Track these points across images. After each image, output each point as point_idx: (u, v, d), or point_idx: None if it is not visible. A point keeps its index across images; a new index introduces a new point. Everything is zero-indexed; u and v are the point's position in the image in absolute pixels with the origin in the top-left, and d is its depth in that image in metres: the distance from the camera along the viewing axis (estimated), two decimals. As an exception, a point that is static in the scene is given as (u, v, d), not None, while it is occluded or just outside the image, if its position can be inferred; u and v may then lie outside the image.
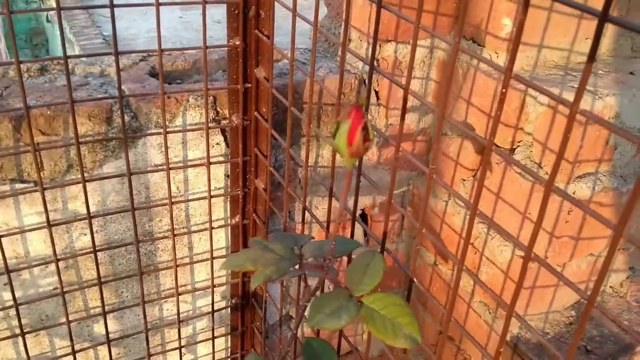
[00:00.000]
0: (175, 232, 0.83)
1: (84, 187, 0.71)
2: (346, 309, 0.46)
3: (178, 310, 0.89)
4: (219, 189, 0.85)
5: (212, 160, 0.80)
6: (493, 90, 0.86)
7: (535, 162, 0.83)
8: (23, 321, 0.78)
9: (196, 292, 0.93)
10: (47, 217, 0.71)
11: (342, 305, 0.47)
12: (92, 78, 0.79)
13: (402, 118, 0.53)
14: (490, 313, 0.96)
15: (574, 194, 0.81)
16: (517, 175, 0.86)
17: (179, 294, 0.88)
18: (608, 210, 0.87)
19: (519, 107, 0.83)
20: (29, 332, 0.78)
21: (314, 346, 0.66)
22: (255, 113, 0.77)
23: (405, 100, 0.51)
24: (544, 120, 0.80)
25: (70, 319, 0.80)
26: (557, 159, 0.38)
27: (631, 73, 0.88)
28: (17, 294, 0.76)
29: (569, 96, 0.78)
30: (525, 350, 0.91)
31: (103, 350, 0.89)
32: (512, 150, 0.86)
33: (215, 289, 0.92)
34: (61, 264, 0.78)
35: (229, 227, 0.88)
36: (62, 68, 0.80)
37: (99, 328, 0.87)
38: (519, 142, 0.85)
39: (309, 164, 0.89)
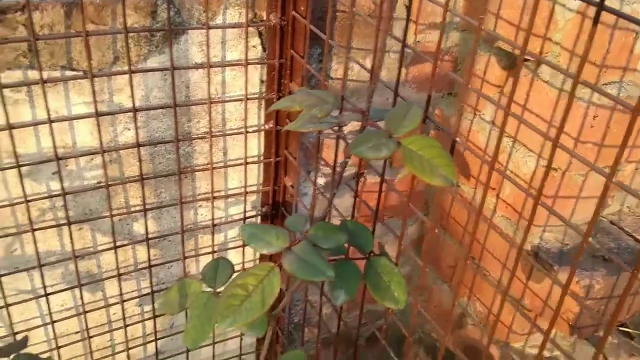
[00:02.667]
0: (212, 134, 0.86)
1: (130, 78, 0.74)
2: (386, 145, 0.50)
3: (213, 214, 0.93)
4: (254, 94, 0.88)
5: (249, 62, 0.83)
6: (522, 0, 0.88)
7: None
8: (67, 213, 0.82)
9: (228, 200, 0.96)
10: (95, 106, 0.74)
11: (383, 142, 0.50)
12: (134, -20, 0.81)
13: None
14: (512, 226, 0.99)
15: (598, 100, 0.84)
16: (543, 85, 0.88)
17: (214, 198, 0.92)
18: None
19: (547, 16, 0.85)
20: (74, 222, 0.82)
21: (349, 227, 0.69)
22: (293, 12, 0.79)
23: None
24: (573, 27, 0.82)
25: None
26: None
27: (658, -12, 0.90)
28: (64, 185, 0.79)
29: None
30: (546, 258, 0.94)
31: (141, 250, 0.93)
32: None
33: (247, 197, 0.96)
34: (105, 158, 0.81)
35: (263, 132, 0.91)
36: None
37: (137, 227, 0.90)
38: (546, 53, 0.87)
39: (339, 77, 0.92)
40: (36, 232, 0.81)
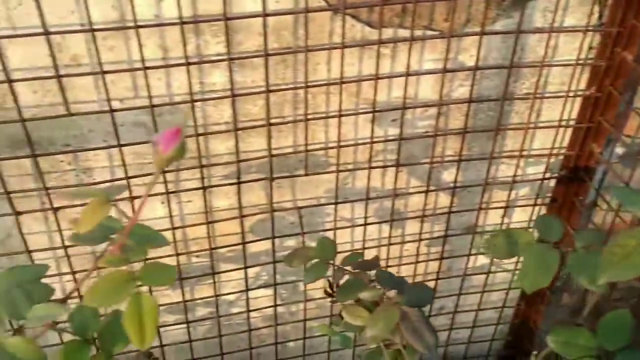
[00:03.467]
0: (535, 96, 0.90)
1: (480, 39, 0.81)
2: None
3: (515, 171, 0.98)
4: (581, 59, 0.90)
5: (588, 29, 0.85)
6: None
7: None
8: (393, 156, 0.93)
9: (529, 159, 1.01)
10: (445, 65, 0.83)
11: None
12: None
13: None
14: None
15: None
16: None
17: (521, 156, 0.97)
18: None
19: None
20: (401, 165, 0.93)
21: None
22: (648, -20, 0.79)
23: None
24: None
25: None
26: None
27: None
28: (397, 131, 0.90)
29: None
30: None
31: (442, 196, 1.02)
32: None
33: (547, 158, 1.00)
34: (435, 110, 0.90)
35: (582, 98, 0.93)
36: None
37: (446, 175, 0.99)
38: None
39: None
40: (365, 170, 0.94)
